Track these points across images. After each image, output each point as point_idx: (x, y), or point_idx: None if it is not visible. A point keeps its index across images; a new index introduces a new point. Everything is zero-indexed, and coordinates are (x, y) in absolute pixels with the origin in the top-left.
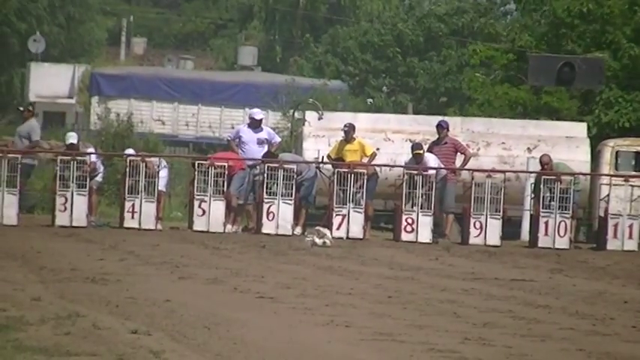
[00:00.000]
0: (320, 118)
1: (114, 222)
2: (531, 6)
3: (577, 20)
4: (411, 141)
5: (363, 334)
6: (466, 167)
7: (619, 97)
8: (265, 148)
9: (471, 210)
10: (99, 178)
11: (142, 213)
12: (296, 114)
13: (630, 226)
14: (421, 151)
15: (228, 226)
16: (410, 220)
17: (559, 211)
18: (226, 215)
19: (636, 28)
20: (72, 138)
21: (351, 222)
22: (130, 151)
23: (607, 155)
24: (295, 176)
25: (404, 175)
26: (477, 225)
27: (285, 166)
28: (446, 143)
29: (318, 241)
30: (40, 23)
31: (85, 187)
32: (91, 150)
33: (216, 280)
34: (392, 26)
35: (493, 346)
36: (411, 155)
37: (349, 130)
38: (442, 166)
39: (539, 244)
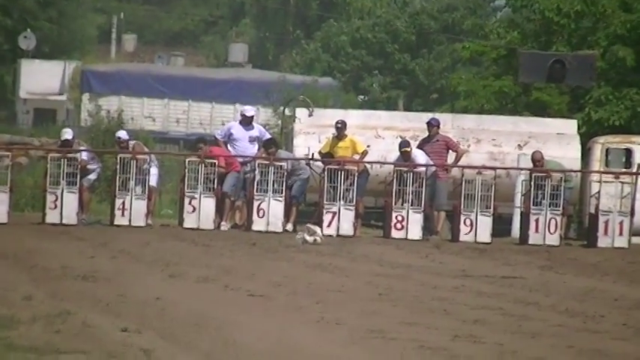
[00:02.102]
0: (310, 115)
1: (104, 219)
2: (521, 2)
3: (567, 20)
4: (401, 138)
5: (354, 332)
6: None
7: (610, 94)
8: (256, 146)
9: (462, 207)
10: (92, 176)
11: (133, 210)
12: (286, 111)
13: (621, 223)
14: (408, 149)
15: (223, 223)
16: (400, 218)
17: (549, 208)
18: (216, 213)
19: (623, 27)
20: (67, 134)
21: (342, 219)
22: (122, 132)
23: (597, 152)
24: (285, 173)
25: (394, 172)
26: (468, 222)
27: (277, 163)
28: (437, 141)
29: (308, 238)
30: (32, 18)
31: (76, 185)
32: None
33: (207, 279)
34: (386, 23)
35: (483, 344)
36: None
37: (342, 127)
38: (431, 162)
39: (530, 241)
